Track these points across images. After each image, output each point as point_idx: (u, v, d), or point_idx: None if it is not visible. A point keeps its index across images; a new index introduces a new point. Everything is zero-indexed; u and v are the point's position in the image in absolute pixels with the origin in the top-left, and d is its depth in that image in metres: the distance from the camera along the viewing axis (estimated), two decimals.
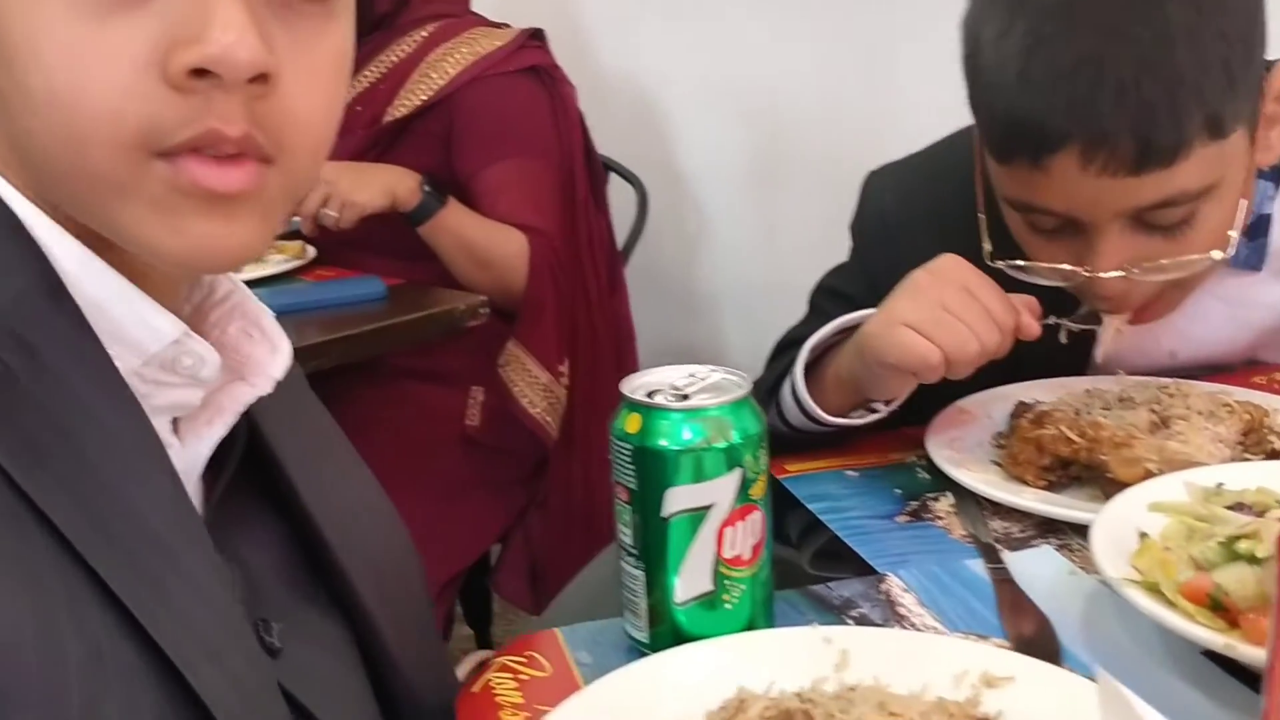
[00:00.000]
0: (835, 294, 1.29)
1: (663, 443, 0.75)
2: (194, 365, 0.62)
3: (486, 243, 1.89)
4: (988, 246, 1.08)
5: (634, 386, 0.78)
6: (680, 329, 2.49)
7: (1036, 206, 1.01)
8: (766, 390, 1.16)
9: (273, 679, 0.63)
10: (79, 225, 0.58)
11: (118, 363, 0.59)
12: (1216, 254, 1.02)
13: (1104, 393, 1.08)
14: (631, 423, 0.77)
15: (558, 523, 2.09)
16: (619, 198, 2.23)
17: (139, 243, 0.58)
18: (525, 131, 1.95)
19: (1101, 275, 1.01)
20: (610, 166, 2.26)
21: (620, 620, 0.82)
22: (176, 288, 0.64)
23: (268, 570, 0.68)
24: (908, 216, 1.25)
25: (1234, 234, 1.03)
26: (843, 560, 0.92)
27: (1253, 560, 0.71)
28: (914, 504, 1.00)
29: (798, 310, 1.33)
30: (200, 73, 0.53)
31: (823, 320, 1.20)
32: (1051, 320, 1.06)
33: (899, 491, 1.02)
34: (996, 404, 1.11)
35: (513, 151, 1.92)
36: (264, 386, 0.67)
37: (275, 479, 0.70)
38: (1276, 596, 0.56)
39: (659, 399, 0.77)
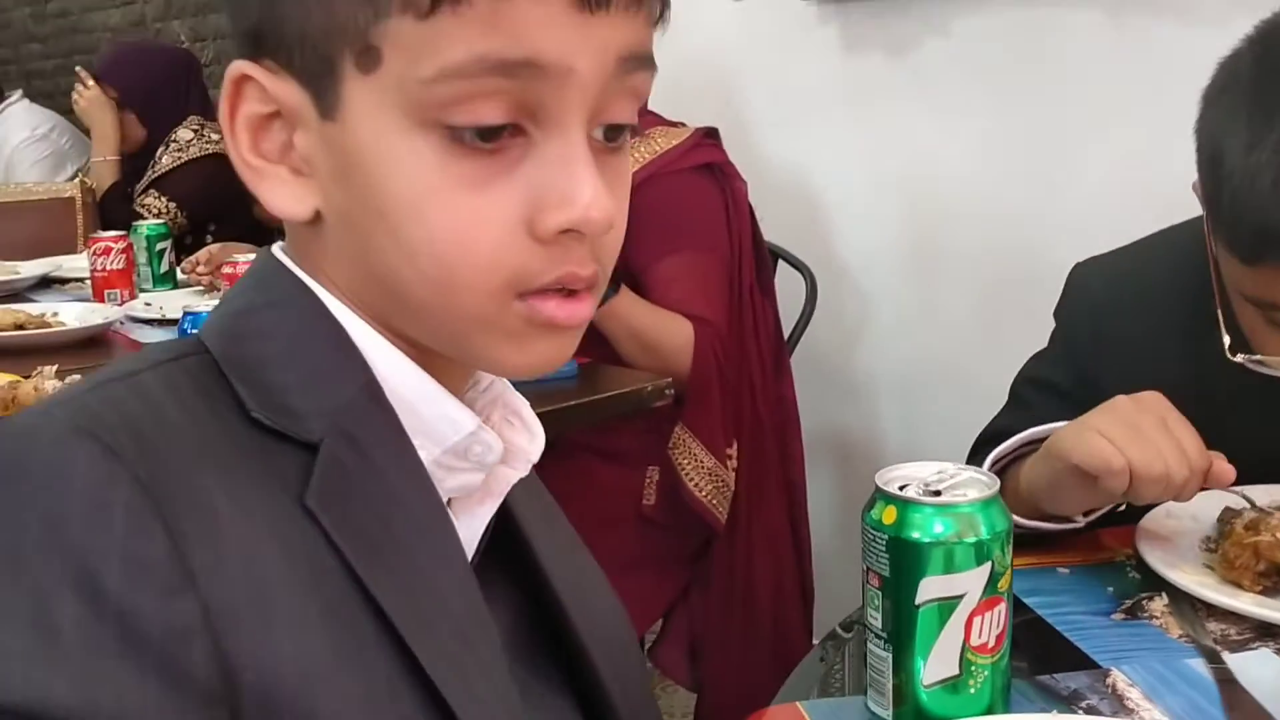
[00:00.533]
0: (1039, 382, 1.33)
1: (917, 535, 0.81)
2: (482, 452, 0.69)
3: (655, 330, 1.97)
4: (1227, 340, 1.11)
5: (888, 479, 0.85)
6: (841, 414, 2.54)
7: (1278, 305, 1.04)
8: None
9: None
10: (394, 332, 0.66)
11: (421, 453, 0.66)
12: None
13: None
14: (887, 514, 0.83)
15: (718, 603, 2.14)
16: (787, 287, 2.31)
17: (487, 363, 0.66)
18: (698, 226, 2.04)
19: None
20: (779, 255, 2.33)
21: (858, 698, 0.88)
22: (463, 384, 0.72)
23: (508, 644, 0.72)
24: (1117, 302, 1.28)
25: None
26: (1062, 657, 0.96)
27: None
28: (1128, 602, 1.04)
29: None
30: (566, 230, 0.61)
31: (1025, 409, 1.25)
32: (1236, 491, 1.08)
33: (1111, 590, 1.06)
34: (1202, 507, 1.14)
35: (685, 245, 2.00)
36: (523, 469, 0.73)
37: (520, 554, 0.76)
38: None
39: (911, 492, 0.83)
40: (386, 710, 0.59)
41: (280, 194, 0.64)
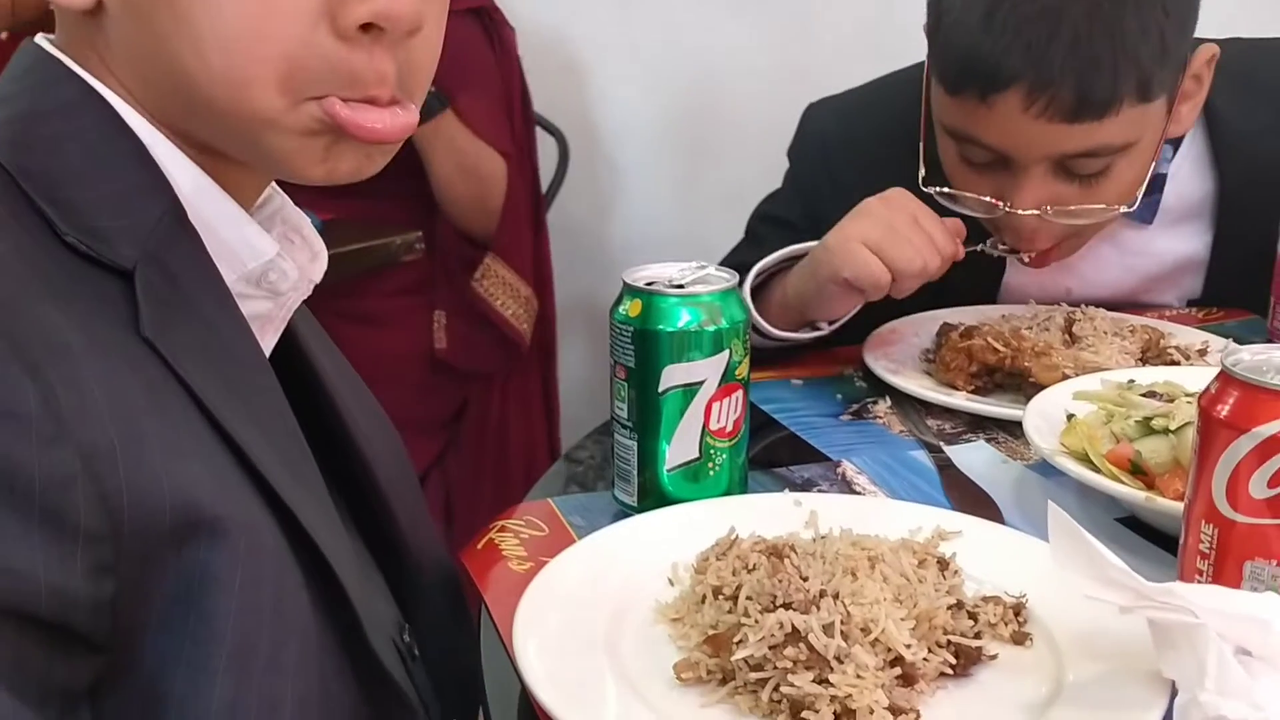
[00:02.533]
0: (772, 220, 1.40)
1: (661, 325, 0.84)
2: (277, 280, 0.68)
3: (475, 154, 1.94)
4: (922, 172, 1.20)
5: (635, 277, 0.87)
6: (591, 280, 2.57)
7: (973, 138, 1.12)
8: None
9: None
10: (195, 149, 0.64)
11: None
12: (1124, 207, 1.16)
13: (1018, 316, 1.21)
14: (633, 308, 0.85)
15: (471, 466, 2.15)
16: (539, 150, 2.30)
17: (283, 168, 0.64)
18: (468, 72, 2.01)
19: (1019, 212, 1.13)
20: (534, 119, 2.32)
21: (608, 492, 0.91)
22: (252, 203, 0.70)
23: None
24: (846, 143, 1.36)
25: (1140, 192, 1.16)
26: (795, 452, 1.02)
27: (1167, 433, 0.83)
28: (855, 406, 1.11)
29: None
30: (367, 26, 0.59)
31: (759, 246, 1.30)
32: (977, 247, 1.17)
33: (840, 396, 1.13)
34: (923, 325, 1.22)
35: (473, 81, 1.97)
36: (306, 290, 0.72)
37: (300, 372, 0.75)
38: (1199, 444, 0.68)
39: (656, 286, 0.86)
40: (261, 528, 0.59)
41: None
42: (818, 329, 1.19)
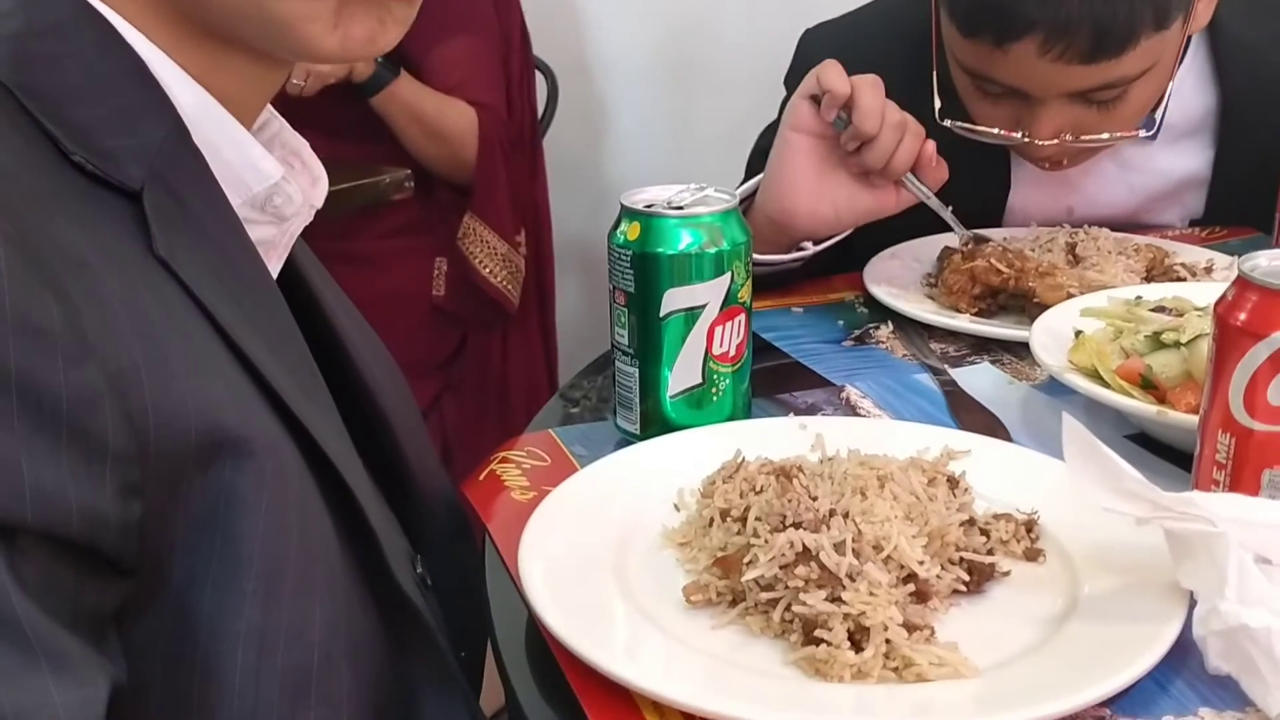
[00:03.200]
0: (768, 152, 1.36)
1: (661, 248, 0.82)
2: (282, 204, 0.66)
3: (438, 114, 1.92)
4: (938, 104, 1.17)
5: (634, 200, 0.85)
6: (584, 217, 2.54)
7: (989, 77, 1.11)
8: None
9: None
10: (199, 68, 0.61)
11: None
12: (1143, 132, 1.14)
13: (1020, 239, 1.19)
14: (632, 231, 0.83)
15: (471, 407, 2.15)
16: None
17: (297, 41, 0.61)
18: (466, 6, 1.98)
19: (1039, 142, 1.11)
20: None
21: (610, 421, 0.90)
22: (251, 125, 0.67)
23: None
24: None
25: (1160, 113, 1.14)
26: (799, 378, 1.00)
27: (1177, 346, 0.82)
28: (857, 332, 1.09)
29: None
30: None
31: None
32: (950, 212, 1.15)
33: (841, 323, 1.11)
34: (925, 249, 1.20)
35: (456, 27, 1.94)
36: (307, 215, 0.70)
37: (302, 301, 0.74)
38: (1215, 354, 0.66)
39: (656, 209, 0.84)
40: (283, 451, 0.59)
41: None
42: (802, 249, 1.16)
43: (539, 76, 2.29)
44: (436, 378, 2.12)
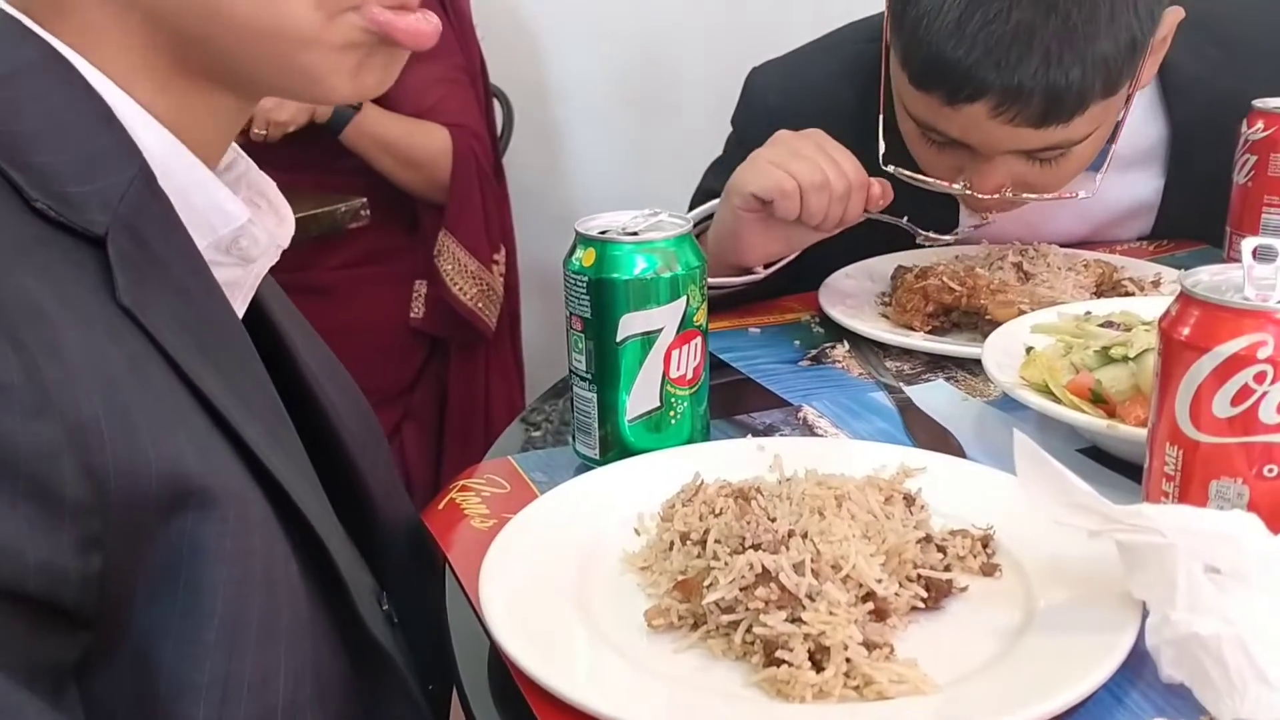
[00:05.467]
0: (715, 192, 1.36)
1: (616, 274, 0.83)
2: (248, 246, 0.66)
3: (408, 141, 1.94)
4: (882, 148, 1.18)
5: (588, 226, 0.86)
6: (543, 242, 2.55)
7: (937, 130, 1.11)
8: None
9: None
10: (169, 111, 0.62)
11: None
12: (1082, 194, 1.16)
13: (970, 257, 1.21)
14: (588, 257, 0.84)
15: (430, 435, 2.14)
16: None
17: (312, 87, 0.63)
18: None
19: (980, 196, 1.13)
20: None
21: (568, 446, 0.90)
22: (217, 165, 0.67)
23: None
24: (792, 112, 1.30)
25: (1101, 175, 1.16)
26: (756, 399, 1.01)
27: (1126, 360, 0.83)
28: (813, 352, 1.10)
29: None
30: None
31: None
32: (905, 222, 1.17)
33: (797, 343, 1.12)
34: (878, 268, 1.22)
35: (424, 55, 1.94)
36: (274, 255, 0.70)
37: (265, 338, 0.73)
38: (1161, 368, 0.67)
39: (610, 235, 0.84)
40: (248, 498, 0.58)
41: None
42: (753, 274, 1.17)
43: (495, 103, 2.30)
44: (395, 407, 2.11)
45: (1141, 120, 1.29)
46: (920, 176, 1.16)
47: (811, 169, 1.06)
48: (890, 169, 1.16)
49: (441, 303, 2.03)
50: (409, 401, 2.13)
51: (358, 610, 0.65)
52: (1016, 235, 1.31)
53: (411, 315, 2.06)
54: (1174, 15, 1.13)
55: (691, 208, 1.38)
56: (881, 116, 1.19)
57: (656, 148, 2.45)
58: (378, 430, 0.87)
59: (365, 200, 1.80)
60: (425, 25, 0.64)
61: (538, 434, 0.98)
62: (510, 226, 2.22)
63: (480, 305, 2.05)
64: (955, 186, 1.13)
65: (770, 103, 1.37)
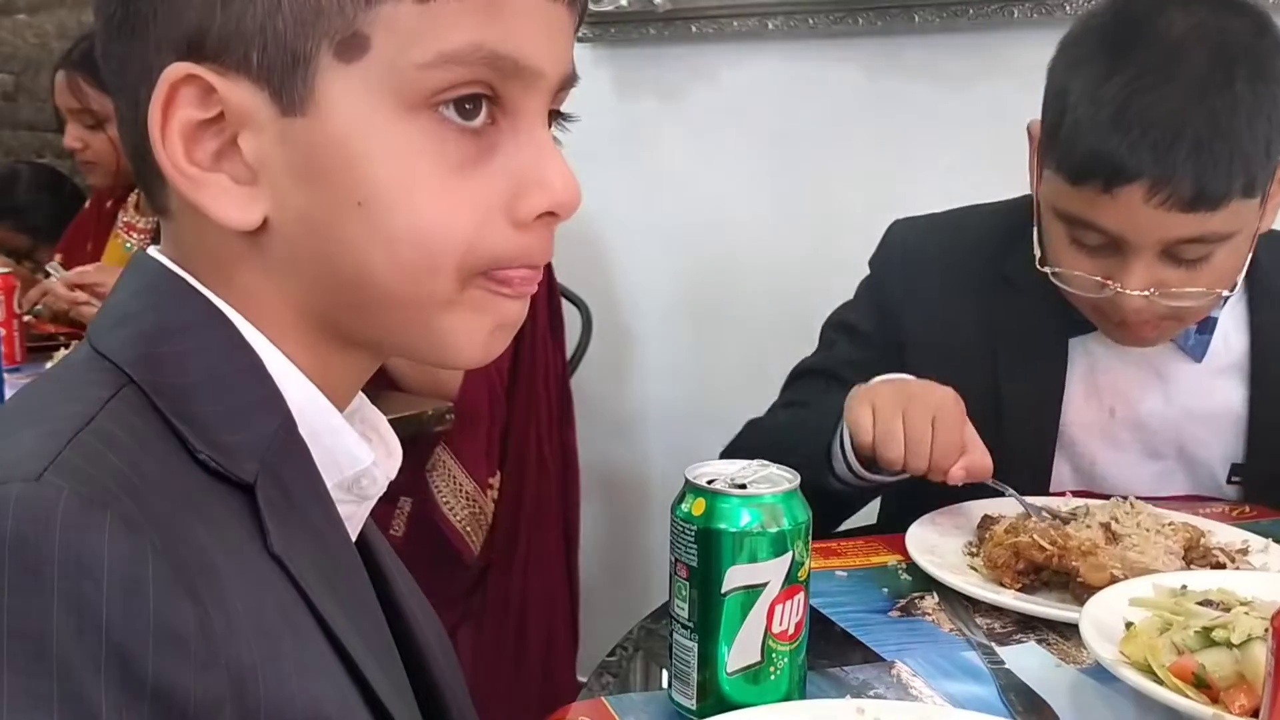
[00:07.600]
0: (845, 327, 1.49)
1: (724, 525, 0.85)
2: (368, 485, 0.70)
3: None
4: (1038, 253, 1.30)
5: (697, 474, 0.88)
6: (608, 446, 2.58)
7: (1091, 223, 1.21)
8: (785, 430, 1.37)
9: None
10: (312, 364, 0.66)
11: None
12: (1225, 291, 1.24)
13: (1057, 509, 1.22)
14: (696, 506, 0.86)
15: (490, 643, 2.11)
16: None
17: (446, 351, 0.67)
18: None
19: (1129, 292, 1.21)
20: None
21: (663, 692, 0.90)
22: (345, 406, 0.71)
23: None
24: (926, 259, 1.45)
25: (1239, 278, 1.26)
26: (847, 651, 1.01)
27: (1229, 645, 0.83)
28: (903, 601, 1.10)
29: (718, 432, 1.45)
30: (543, 214, 0.64)
31: (827, 349, 1.48)
32: (993, 483, 1.22)
33: (886, 590, 1.13)
34: (963, 515, 1.23)
35: None
36: (383, 486, 0.73)
37: (370, 566, 0.75)
38: (1274, 666, 0.68)
39: (719, 485, 0.87)
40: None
41: (223, 202, 0.61)
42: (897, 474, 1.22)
43: (576, 311, 2.37)
44: (451, 612, 2.08)
45: (1233, 327, 1.37)
46: (1073, 272, 1.25)
47: (890, 441, 1.16)
48: (1046, 269, 1.27)
49: (426, 522, 1.96)
50: (467, 607, 2.10)
51: None
52: (1110, 404, 1.38)
53: (390, 533, 1.97)
54: None
55: (820, 340, 1.53)
56: (1036, 225, 1.31)
57: (721, 360, 2.50)
58: (452, 654, 0.88)
59: (452, 405, 1.83)
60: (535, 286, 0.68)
61: (629, 669, 0.99)
62: (570, 445, 2.20)
63: (468, 529, 1.99)
64: (1107, 285, 1.22)
65: (908, 249, 1.50)
